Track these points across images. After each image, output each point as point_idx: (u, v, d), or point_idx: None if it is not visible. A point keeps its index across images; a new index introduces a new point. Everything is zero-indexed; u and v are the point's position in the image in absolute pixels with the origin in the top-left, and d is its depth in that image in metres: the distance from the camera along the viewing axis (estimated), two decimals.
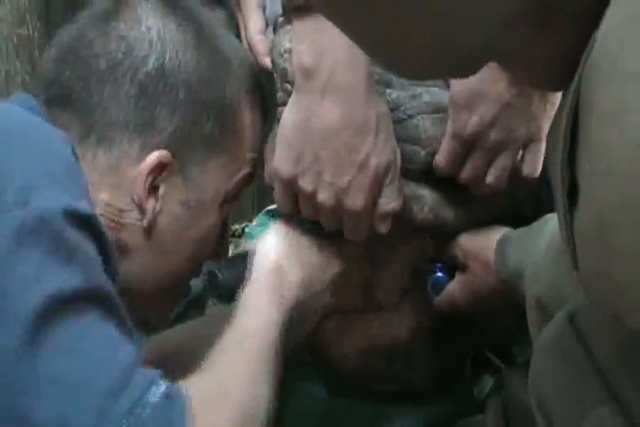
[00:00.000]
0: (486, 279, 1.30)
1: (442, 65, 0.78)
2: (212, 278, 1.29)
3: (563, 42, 0.73)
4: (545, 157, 0.80)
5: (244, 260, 1.22)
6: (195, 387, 0.95)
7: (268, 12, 1.40)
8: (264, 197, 1.39)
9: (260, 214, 1.60)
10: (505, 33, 0.73)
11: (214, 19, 1.26)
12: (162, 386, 0.92)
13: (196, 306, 1.71)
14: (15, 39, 1.87)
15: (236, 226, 1.81)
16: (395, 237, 1.37)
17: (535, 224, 1.21)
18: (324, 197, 1.21)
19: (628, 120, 0.61)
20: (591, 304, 0.76)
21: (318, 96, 1.19)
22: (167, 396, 0.91)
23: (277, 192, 1.26)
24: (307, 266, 1.24)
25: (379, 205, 1.24)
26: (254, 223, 1.60)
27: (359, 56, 1.16)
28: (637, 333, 0.67)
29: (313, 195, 1.22)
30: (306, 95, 1.20)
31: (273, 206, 1.39)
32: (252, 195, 1.87)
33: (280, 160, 1.22)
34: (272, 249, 1.23)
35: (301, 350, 1.35)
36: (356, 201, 1.21)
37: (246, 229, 1.59)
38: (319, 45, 1.18)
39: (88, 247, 0.95)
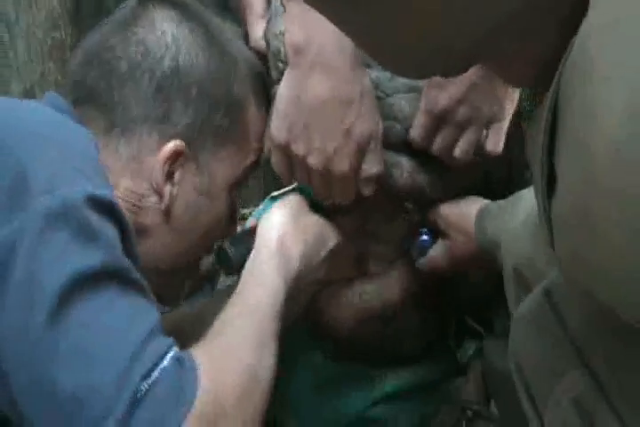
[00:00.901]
0: (465, 246, 1.32)
1: (434, 66, 0.79)
2: (221, 254, 1.31)
3: (548, 45, 0.73)
4: (527, 148, 0.80)
5: (250, 236, 1.24)
6: (204, 352, 0.97)
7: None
8: (269, 184, 1.41)
9: (264, 200, 1.62)
10: (493, 35, 0.73)
11: (222, 24, 1.27)
12: (173, 352, 0.93)
13: (206, 280, 1.72)
14: (49, 42, 1.86)
15: (245, 210, 1.82)
16: (386, 213, 1.40)
17: (512, 198, 1.22)
18: (313, 161, 1.23)
19: (600, 118, 0.61)
20: (565, 280, 0.76)
21: (308, 71, 1.20)
22: (178, 360, 0.93)
23: (273, 156, 1.27)
24: (306, 241, 1.25)
25: (363, 170, 1.26)
26: (260, 207, 1.62)
27: (345, 36, 1.19)
28: (606, 306, 0.68)
29: (304, 159, 1.24)
30: (297, 71, 1.21)
31: (276, 193, 1.41)
32: (259, 183, 1.88)
33: (275, 128, 1.24)
34: (275, 227, 1.24)
35: (299, 319, 1.36)
36: (342, 165, 1.23)
37: (253, 213, 1.61)
38: (309, 25, 1.19)
39: (108, 230, 0.96)
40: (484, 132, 1.31)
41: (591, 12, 0.64)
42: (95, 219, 0.94)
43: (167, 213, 1.17)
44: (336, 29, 1.11)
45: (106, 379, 0.88)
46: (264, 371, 1.02)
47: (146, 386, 0.89)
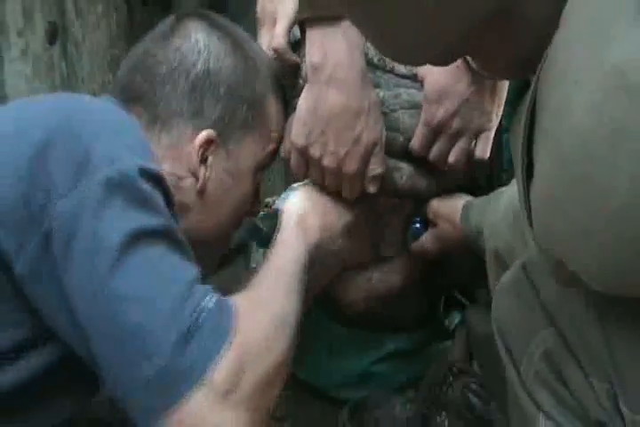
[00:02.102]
0: (452, 234, 1.34)
1: (427, 55, 0.81)
2: (254, 229, 1.34)
3: (519, 43, 0.75)
4: (511, 144, 0.82)
5: (278, 216, 1.26)
6: (239, 299, 0.99)
7: None
8: (290, 176, 1.43)
9: (286, 190, 1.65)
10: (473, 33, 0.75)
11: (245, 34, 1.28)
12: (215, 296, 0.95)
13: (240, 252, 1.74)
14: (109, 58, 1.94)
15: (269, 199, 1.84)
16: (393, 206, 1.42)
17: (492, 195, 1.24)
18: (327, 162, 1.26)
19: (570, 115, 0.64)
20: (539, 255, 0.78)
21: (324, 86, 1.22)
22: (219, 303, 0.94)
23: (293, 159, 1.30)
24: (324, 215, 1.28)
25: (368, 170, 1.28)
26: (282, 196, 1.65)
27: (355, 56, 1.21)
28: (574, 274, 0.70)
29: (319, 161, 1.26)
30: (315, 86, 1.23)
31: (295, 184, 1.44)
32: (281, 175, 1.90)
33: (296, 134, 1.26)
34: (298, 204, 1.28)
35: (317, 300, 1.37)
36: (351, 166, 1.26)
37: (276, 200, 1.64)
38: (325, 48, 1.21)
39: (157, 197, 0.97)
40: (474, 141, 1.33)
41: (560, 30, 0.68)
42: (146, 188, 0.96)
43: (202, 192, 1.19)
44: (349, 52, 1.18)
45: (160, 317, 0.90)
46: (289, 317, 1.03)
47: (193, 323, 0.91)
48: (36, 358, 0.98)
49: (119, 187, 0.94)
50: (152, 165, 0.99)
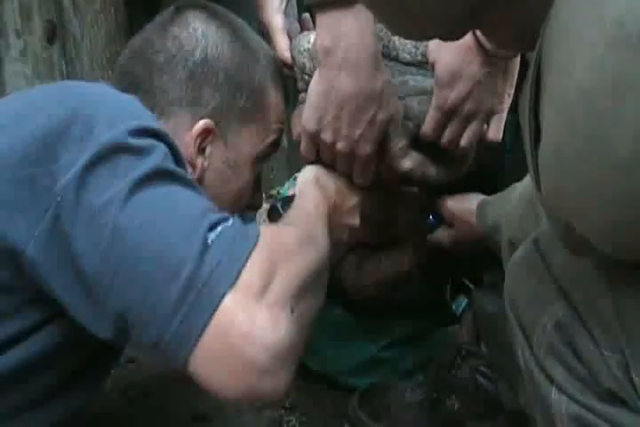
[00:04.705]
0: (469, 235, 1.36)
1: (437, 29, 0.80)
2: (273, 212, 1.34)
3: (530, 13, 0.74)
4: (519, 111, 0.81)
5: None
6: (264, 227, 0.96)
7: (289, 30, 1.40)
8: (293, 167, 1.44)
9: (289, 180, 1.67)
10: (485, 4, 0.75)
11: (244, 24, 1.27)
12: (235, 218, 0.93)
13: None
14: (107, 55, 1.95)
15: (273, 191, 1.85)
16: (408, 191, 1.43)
17: (506, 191, 1.24)
18: (341, 146, 1.24)
19: (573, 71, 0.63)
20: (549, 225, 0.77)
21: (336, 70, 1.20)
22: (239, 221, 0.93)
23: (303, 144, 1.28)
24: (337, 183, 1.27)
25: (390, 147, 1.27)
26: (285, 186, 1.66)
27: (367, 39, 1.18)
28: (584, 238, 0.70)
29: (332, 145, 1.24)
30: (327, 70, 1.21)
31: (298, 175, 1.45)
32: (285, 166, 1.91)
33: (307, 119, 1.24)
34: (311, 174, 1.27)
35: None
36: (365, 149, 1.24)
37: (279, 191, 1.65)
38: (336, 32, 1.19)
39: (154, 145, 0.95)
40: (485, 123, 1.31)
41: None
42: (140, 141, 0.94)
43: (200, 182, 1.16)
44: (360, 35, 1.16)
45: (178, 235, 0.88)
46: (319, 240, 1.02)
47: (213, 236, 0.88)
48: (42, 341, 0.98)
49: (121, 149, 0.93)
50: (148, 123, 0.98)
